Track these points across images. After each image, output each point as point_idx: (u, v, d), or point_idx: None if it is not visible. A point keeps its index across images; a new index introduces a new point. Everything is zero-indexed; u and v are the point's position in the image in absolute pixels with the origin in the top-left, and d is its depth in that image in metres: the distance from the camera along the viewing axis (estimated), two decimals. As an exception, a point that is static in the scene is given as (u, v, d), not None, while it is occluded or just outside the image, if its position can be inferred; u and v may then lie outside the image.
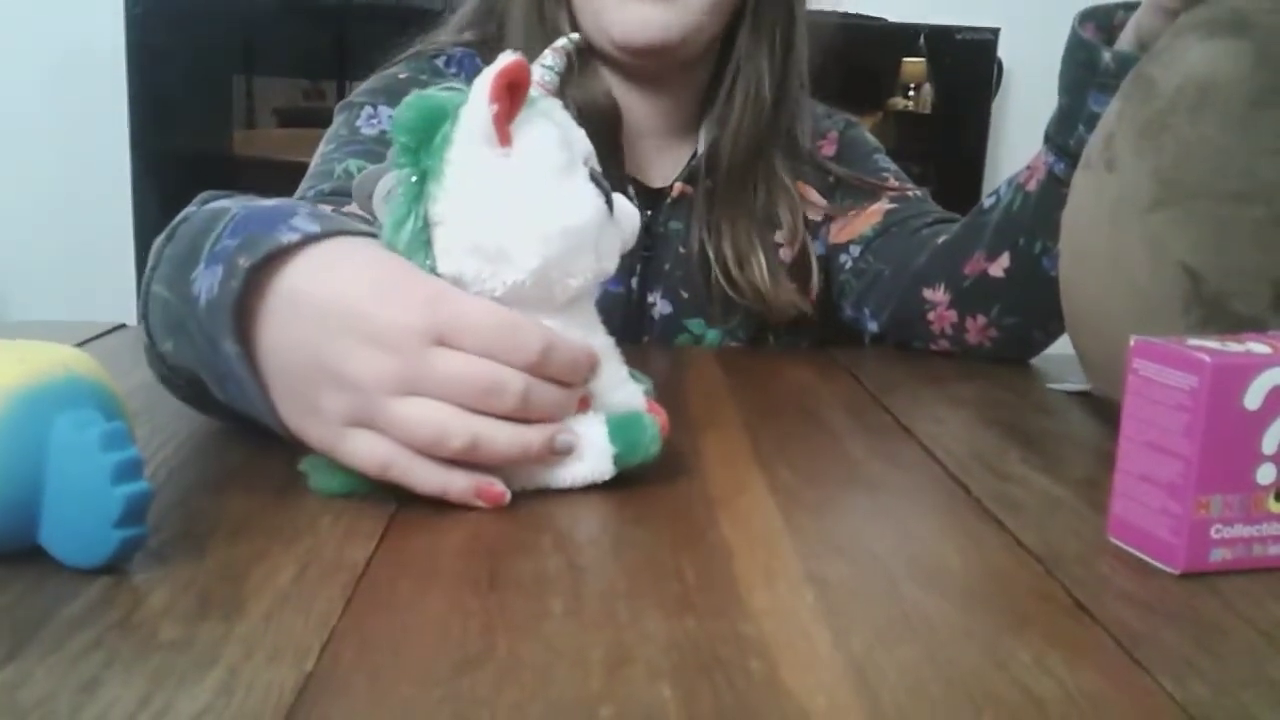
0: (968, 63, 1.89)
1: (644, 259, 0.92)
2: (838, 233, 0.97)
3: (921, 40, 1.87)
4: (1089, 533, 0.48)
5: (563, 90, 0.84)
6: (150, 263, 0.54)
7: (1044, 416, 0.72)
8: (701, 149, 0.92)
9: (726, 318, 0.93)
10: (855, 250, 0.95)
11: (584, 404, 0.49)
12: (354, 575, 0.41)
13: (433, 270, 0.48)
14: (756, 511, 0.50)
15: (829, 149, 1.00)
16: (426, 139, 0.47)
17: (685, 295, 0.93)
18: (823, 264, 0.97)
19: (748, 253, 0.90)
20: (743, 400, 0.71)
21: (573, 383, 0.48)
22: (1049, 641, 0.38)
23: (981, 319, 0.86)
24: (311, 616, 0.37)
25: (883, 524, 0.49)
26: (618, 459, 0.50)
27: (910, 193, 0.98)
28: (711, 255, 0.91)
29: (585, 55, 0.85)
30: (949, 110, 1.91)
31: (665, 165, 0.94)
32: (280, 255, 0.46)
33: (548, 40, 0.87)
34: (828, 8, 0.97)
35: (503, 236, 0.47)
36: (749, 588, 0.41)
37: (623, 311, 0.91)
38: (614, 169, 0.90)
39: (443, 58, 0.91)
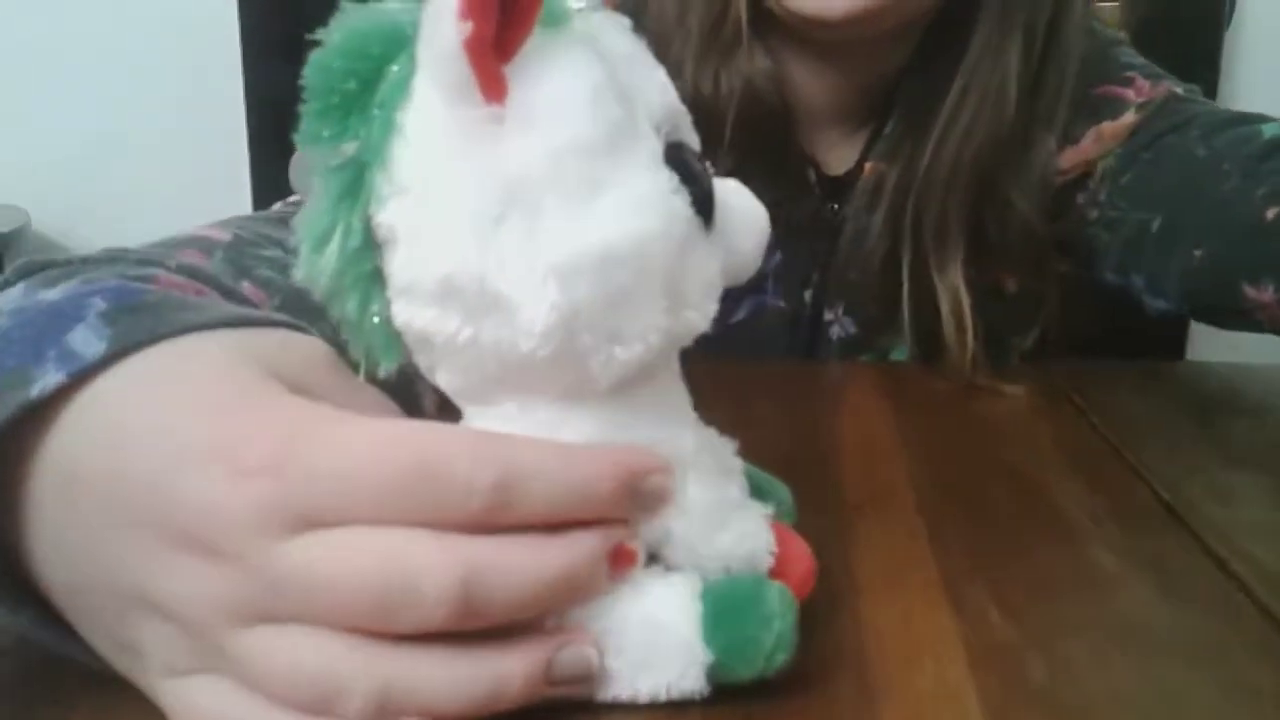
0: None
1: (823, 266, 0.69)
2: (1067, 161, 0.68)
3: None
4: None
5: (709, 62, 0.62)
6: None
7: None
8: (892, 128, 0.68)
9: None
10: (1101, 192, 0.67)
11: (625, 559, 0.28)
12: None
13: (381, 322, 0.29)
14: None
15: None
16: (363, 89, 0.27)
17: (874, 311, 0.69)
18: (1053, 207, 0.68)
19: (949, 273, 0.64)
20: (917, 451, 0.50)
21: (588, 519, 0.27)
22: None
23: None
24: None
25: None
26: (714, 670, 0.28)
27: (1167, 91, 0.68)
28: (905, 258, 0.66)
29: (733, 26, 0.63)
30: (1169, 45, 1.59)
31: (848, 147, 0.71)
32: (43, 412, 0.28)
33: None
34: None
35: (493, 269, 0.27)
36: None
37: (789, 335, 0.70)
38: (788, 153, 0.68)
39: None
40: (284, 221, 0.53)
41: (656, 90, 0.30)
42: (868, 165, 0.68)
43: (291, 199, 0.58)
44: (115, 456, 0.27)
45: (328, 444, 0.26)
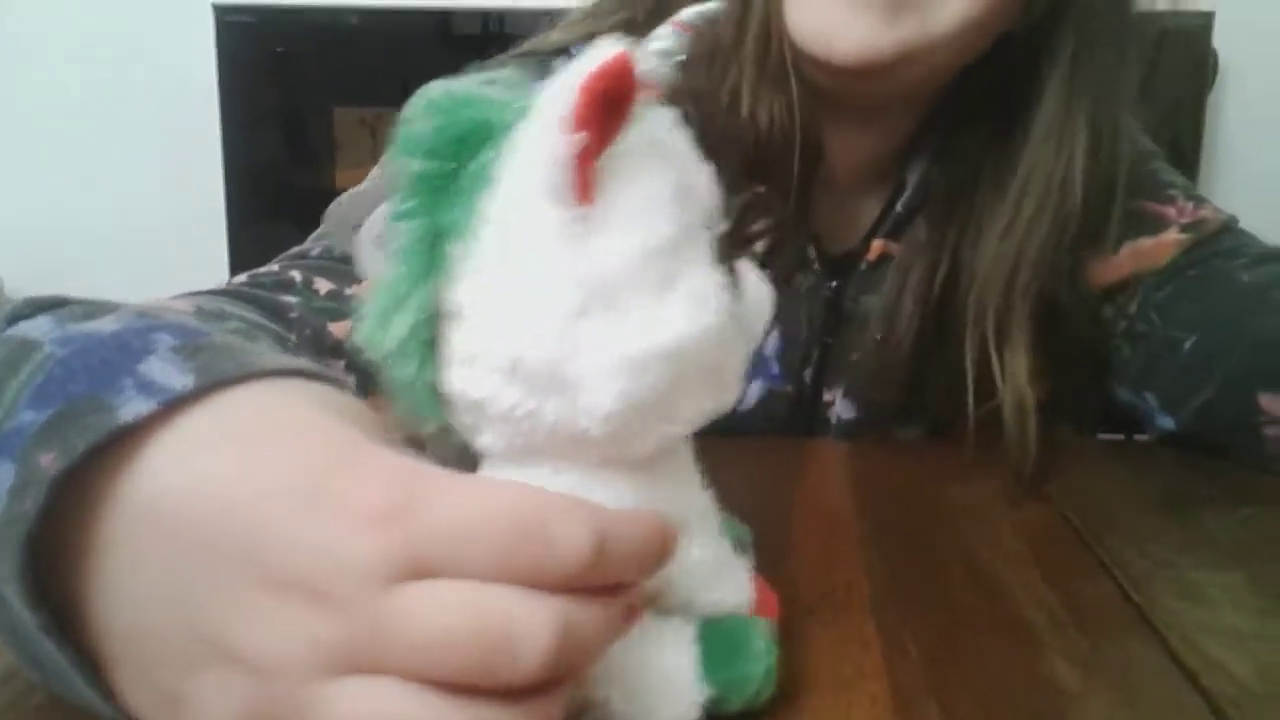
0: (1177, 53, 1.57)
1: (824, 346, 0.67)
2: (1101, 273, 0.66)
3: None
4: None
5: (763, 90, 0.58)
6: None
7: None
8: (909, 192, 0.66)
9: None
10: (1131, 306, 0.66)
11: (635, 612, 0.29)
12: None
13: (429, 388, 0.30)
14: None
15: None
16: (454, 172, 0.29)
17: (882, 397, 0.66)
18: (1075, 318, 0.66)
19: (1015, 374, 0.60)
20: (877, 539, 0.49)
21: (633, 581, 0.28)
22: None
23: None
24: None
25: None
26: (712, 703, 0.32)
27: (1213, 216, 0.67)
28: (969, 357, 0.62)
29: (778, 54, 0.60)
30: (1154, 108, 1.59)
31: (852, 220, 0.68)
32: (121, 442, 0.27)
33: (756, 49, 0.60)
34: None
35: (564, 357, 0.29)
36: None
37: (788, 415, 0.68)
38: (797, 231, 0.65)
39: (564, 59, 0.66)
40: (241, 297, 0.52)
41: (705, 187, 0.32)
42: (874, 244, 0.66)
43: (259, 271, 0.57)
44: (213, 494, 0.26)
45: (445, 499, 0.26)
